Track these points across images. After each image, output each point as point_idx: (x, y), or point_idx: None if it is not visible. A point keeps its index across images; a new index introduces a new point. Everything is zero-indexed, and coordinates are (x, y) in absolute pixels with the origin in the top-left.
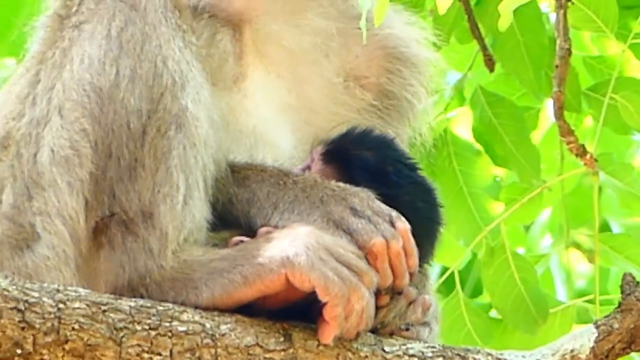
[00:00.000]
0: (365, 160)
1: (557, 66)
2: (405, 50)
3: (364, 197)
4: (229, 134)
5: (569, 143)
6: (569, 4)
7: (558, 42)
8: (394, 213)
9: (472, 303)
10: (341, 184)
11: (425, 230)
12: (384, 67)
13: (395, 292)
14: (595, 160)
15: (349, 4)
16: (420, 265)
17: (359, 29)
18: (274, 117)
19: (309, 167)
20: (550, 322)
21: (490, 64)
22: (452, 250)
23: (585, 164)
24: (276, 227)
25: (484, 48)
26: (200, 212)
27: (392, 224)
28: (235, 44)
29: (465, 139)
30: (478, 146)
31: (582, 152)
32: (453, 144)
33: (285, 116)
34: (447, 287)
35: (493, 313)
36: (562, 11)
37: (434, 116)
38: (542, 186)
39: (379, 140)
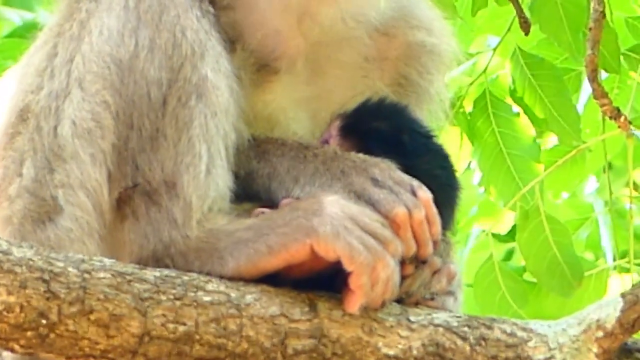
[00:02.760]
0: (380, 132)
1: (590, 29)
2: (425, 37)
3: (385, 168)
4: (245, 118)
5: (602, 105)
6: None
7: (592, 4)
8: (415, 182)
9: (506, 266)
10: (361, 155)
11: (446, 197)
12: (403, 52)
13: (419, 261)
14: (630, 122)
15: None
16: (443, 233)
17: (383, 20)
18: (292, 106)
19: (326, 141)
20: (585, 286)
21: (525, 26)
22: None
23: (619, 127)
24: (298, 199)
25: (519, 10)
26: (223, 180)
27: (414, 193)
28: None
29: (504, 101)
30: (518, 108)
31: (616, 114)
32: (492, 106)
33: (303, 105)
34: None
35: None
36: None
37: (450, 100)
38: (579, 147)
39: (392, 110)
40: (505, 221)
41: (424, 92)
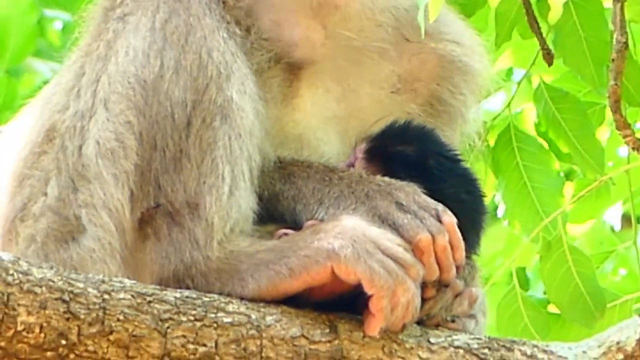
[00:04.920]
0: (406, 156)
1: (613, 60)
2: (458, 57)
3: (410, 192)
4: (275, 139)
5: (625, 137)
6: None
7: (615, 35)
8: (440, 207)
9: (529, 297)
10: (387, 179)
11: (471, 222)
12: (436, 73)
13: (441, 284)
14: None
15: (403, 7)
16: (468, 257)
17: (413, 31)
18: (322, 125)
19: (352, 164)
20: (609, 316)
21: (548, 58)
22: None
23: None
24: (322, 221)
25: (542, 42)
26: (246, 202)
27: (439, 218)
28: (290, 73)
29: (529, 134)
30: (542, 141)
31: (639, 145)
32: (517, 140)
33: (333, 125)
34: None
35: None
36: (618, 5)
37: (482, 122)
38: (601, 178)
39: (419, 134)
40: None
41: (457, 112)
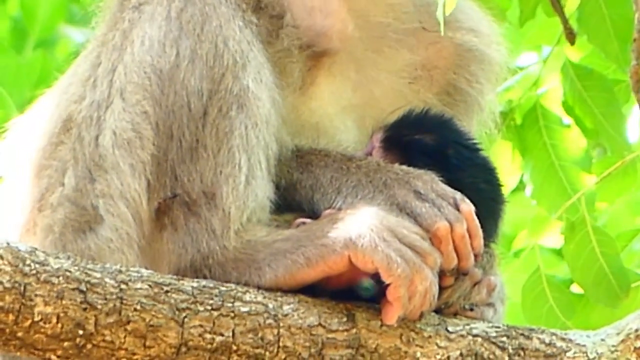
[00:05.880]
0: (425, 145)
1: (634, 39)
2: (475, 46)
3: (428, 180)
4: (291, 128)
5: None
6: None
7: (636, 15)
8: (458, 195)
9: (553, 278)
10: (404, 167)
11: (490, 211)
12: (453, 61)
13: (460, 273)
14: None
15: None
16: (486, 245)
17: (431, 19)
18: (338, 114)
19: (370, 153)
20: (633, 296)
21: (570, 37)
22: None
23: None
24: (340, 210)
25: (564, 21)
26: (263, 191)
27: (457, 207)
28: (311, 61)
29: (555, 113)
30: (568, 119)
31: None
32: (543, 118)
33: (350, 113)
34: None
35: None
36: None
37: (498, 110)
38: (628, 157)
39: (437, 122)
40: (557, 234)
41: (473, 101)
